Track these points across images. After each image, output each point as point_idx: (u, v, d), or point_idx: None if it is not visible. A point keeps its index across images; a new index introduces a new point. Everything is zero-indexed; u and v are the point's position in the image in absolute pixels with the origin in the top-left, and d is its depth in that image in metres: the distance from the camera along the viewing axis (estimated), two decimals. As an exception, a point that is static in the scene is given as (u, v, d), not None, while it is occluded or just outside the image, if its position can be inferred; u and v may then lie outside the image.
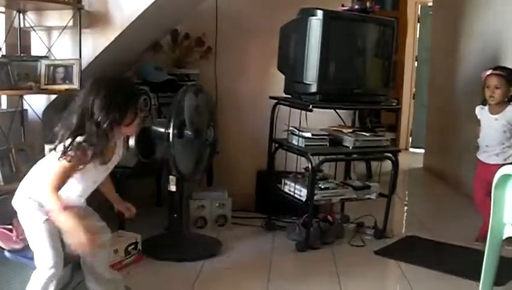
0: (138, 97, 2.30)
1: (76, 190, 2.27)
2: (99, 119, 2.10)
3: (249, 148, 4.28)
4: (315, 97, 3.43)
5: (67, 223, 2.06)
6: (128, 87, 2.31)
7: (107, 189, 2.55)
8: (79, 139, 2.10)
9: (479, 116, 3.67)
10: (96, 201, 2.53)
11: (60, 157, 2.10)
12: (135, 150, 3.40)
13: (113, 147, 2.30)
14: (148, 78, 3.82)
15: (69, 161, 2.09)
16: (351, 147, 3.57)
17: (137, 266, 3.16)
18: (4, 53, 3.24)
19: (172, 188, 3.32)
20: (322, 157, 3.51)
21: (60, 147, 2.13)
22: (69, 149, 2.09)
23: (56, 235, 2.22)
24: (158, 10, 3.44)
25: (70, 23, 3.25)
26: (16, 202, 2.28)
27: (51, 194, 2.08)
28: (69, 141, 2.11)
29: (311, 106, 3.40)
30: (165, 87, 3.79)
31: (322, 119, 3.79)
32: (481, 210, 3.62)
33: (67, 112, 2.18)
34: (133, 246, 3.20)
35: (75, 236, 2.06)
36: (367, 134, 3.69)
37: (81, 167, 2.15)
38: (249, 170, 4.28)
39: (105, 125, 2.11)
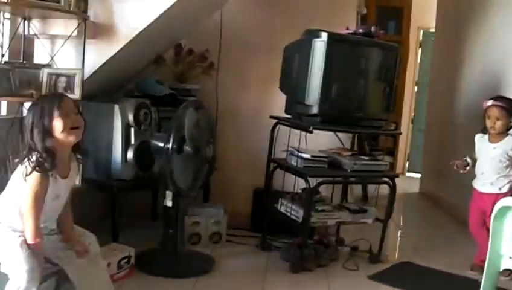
0: (54, 102, 2.32)
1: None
2: (34, 134, 2.25)
3: (246, 166, 4.26)
4: (316, 119, 3.43)
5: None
6: (46, 98, 2.40)
7: (66, 220, 2.53)
8: (33, 158, 2.22)
9: (477, 144, 3.67)
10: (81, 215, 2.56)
11: (26, 176, 2.21)
12: (133, 163, 3.40)
13: (66, 161, 2.38)
14: (150, 92, 3.82)
15: (37, 172, 2.19)
16: (349, 170, 3.56)
17: (129, 281, 3.13)
18: (7, 59, 3.22)
19: (169, 203, 3.30)
20: (320, 180, 3.49)
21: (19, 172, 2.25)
22: (30, 170, 2.20)
23: (33, 252, 2.24)
24: (163, 24, 3.43)
25: (75, 33, 3.24)
26: None
27: (31, 226, 2.21)
28: (25, 163, 2.22)
29: (311, 128, 3.39)
30: (165, 101, 3.78)
31: (321, 141, 3.79)
32: (476, 238, 3.62)
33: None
34: (126, 259, 3.17)
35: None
36: (366, 158, 3.68)
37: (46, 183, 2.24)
38: (246, 188, 4.26)
39: (39, 137, 2.23)
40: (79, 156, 2.51)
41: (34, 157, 2.22)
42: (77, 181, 3.07)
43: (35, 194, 2.20)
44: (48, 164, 2.23)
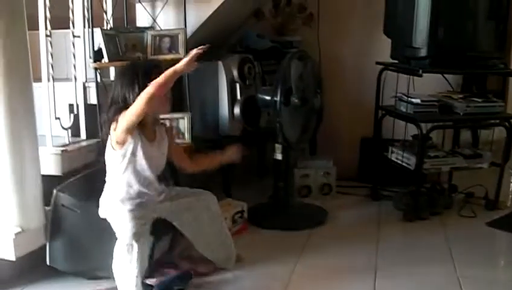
0: (146, 75, 2.31)
1: (139, 175, 2.38)
2: (120, 98, 2.29)
3: (352, 115, 4.18)
4: (425, 62, 3.28)
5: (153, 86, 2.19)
6: (138, 67, 2.36)
7: (199, 163, 2.62)
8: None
9: None
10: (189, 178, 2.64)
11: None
12: (240, 118, 3.41)
13: (150, 125, 2.41)
14: (251, 46, 3.81)
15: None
16: (461, 114, 3.40)
17: (244, 235, 3.18)
18: (112, 25, 3.30)
19: (279, 156, 3.29)
20: (431, 125, 3.36)
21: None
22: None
23: (142, 214, 2.33)
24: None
25: (174, -5, 3.27)
26: (102, 210, 2.42)
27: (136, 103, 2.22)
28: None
29: (421, 71, 3.24)
30: (268, 54, 3.76)
31: (429, 84, 3.62)
32: None
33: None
34: (239, 214, 3.21)
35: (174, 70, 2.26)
36: (479, 100, 3.50)
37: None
38: (353, 138, 4.20)
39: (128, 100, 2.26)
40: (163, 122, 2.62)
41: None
42: (187, 139, 3.15)
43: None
44: None
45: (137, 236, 2.26)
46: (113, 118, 2.28)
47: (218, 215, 2.68)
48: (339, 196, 3.89)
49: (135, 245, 2.25)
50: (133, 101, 2.22)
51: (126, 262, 2.27)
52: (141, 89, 2.22)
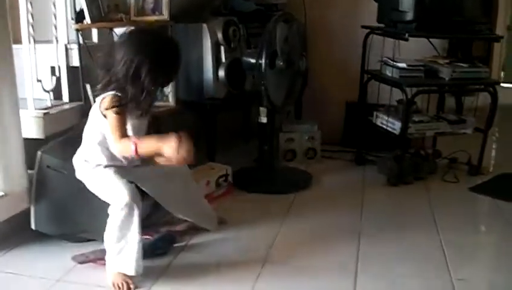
0: (180, 60, 2.27)
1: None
2: (146, 83, 2.12)
3: (338, 80, 4.16)
4: (411, 26, 3.26)
5: (151, 148, 2.08)
6: (174, 49, 2.24)
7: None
8: (124, 100, 2.14)
9: None
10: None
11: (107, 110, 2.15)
12: (225, 81, 3.38)
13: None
14: (236, 8, 3.75)
15: (117, 113, 2.13)
16: (447, 79, 3.39)
17: (228, 198, 3.18)
18: (93, -14, 3.22)
19: (263, 119, 3.27)
20: (416, 89, 3.35)
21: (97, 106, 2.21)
22: (116, 105, 2.13)
23: (123, 175, 2.25)
24: None
25: (156, -46, 3.18)
26: (77, 171, 2.34)
27: (120, 144, 2.13)
28: (112, 94, 2.16)
29: (407, 35, 3.23)
30: (253, 17, 3.71)
31: (414, 49, 3.61)
32: None
33: (107, 57, 2.20)
34: (223, 178, 3.21)
35: (169, 150, 2.03)
36: (465, 65, 3.49)
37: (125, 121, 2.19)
38: (338, 102, 4.19)
39: (152, 88, 2.16)
40: None
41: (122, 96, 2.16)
42: (171, 102, 3.13)
43: (120, 133, 2.14)
44: (142, 108, 2.21)
45: (135, 197, 2.18)
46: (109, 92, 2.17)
47: (191, 177, 2.63)
48: (324, 160, 3.90)
49: (135, 207, 2.16)
50: (131, 87, 2.12)
51: (126, 227, 2.17)
52: (146, 85, 2.12)
